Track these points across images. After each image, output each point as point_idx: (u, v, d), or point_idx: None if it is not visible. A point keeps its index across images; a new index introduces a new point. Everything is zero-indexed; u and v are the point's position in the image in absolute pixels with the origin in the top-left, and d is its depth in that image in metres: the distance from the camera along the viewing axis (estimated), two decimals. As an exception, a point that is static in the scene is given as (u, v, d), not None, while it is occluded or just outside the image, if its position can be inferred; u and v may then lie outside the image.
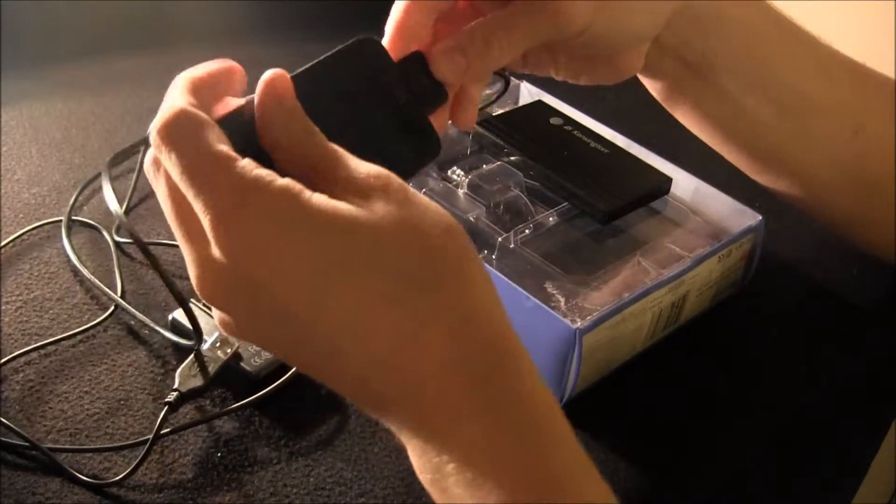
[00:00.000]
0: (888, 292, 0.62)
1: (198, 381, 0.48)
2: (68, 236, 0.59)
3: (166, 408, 0.47)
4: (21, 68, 0.78)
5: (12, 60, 0.78)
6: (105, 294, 0.55)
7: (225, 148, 0.33)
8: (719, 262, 0.56)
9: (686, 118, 0.55)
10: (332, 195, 0.32)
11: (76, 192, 0.63)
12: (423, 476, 0.34)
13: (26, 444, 0.46)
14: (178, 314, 0.51)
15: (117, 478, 0.45)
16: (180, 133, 0.33)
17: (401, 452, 0.48)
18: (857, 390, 0.60)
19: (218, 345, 0.49)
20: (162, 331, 0.52)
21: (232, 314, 0.34)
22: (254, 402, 0.48)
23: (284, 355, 0.36)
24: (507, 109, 0.65)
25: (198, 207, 0.32)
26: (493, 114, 0.63)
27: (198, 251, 0.33)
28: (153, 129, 0.33)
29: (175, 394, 0.47)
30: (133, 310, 0.54)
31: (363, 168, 0.33)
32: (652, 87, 0.55)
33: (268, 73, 0.37)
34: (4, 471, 0.45)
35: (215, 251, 0.32)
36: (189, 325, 0.50)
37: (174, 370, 0.51)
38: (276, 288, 0.31)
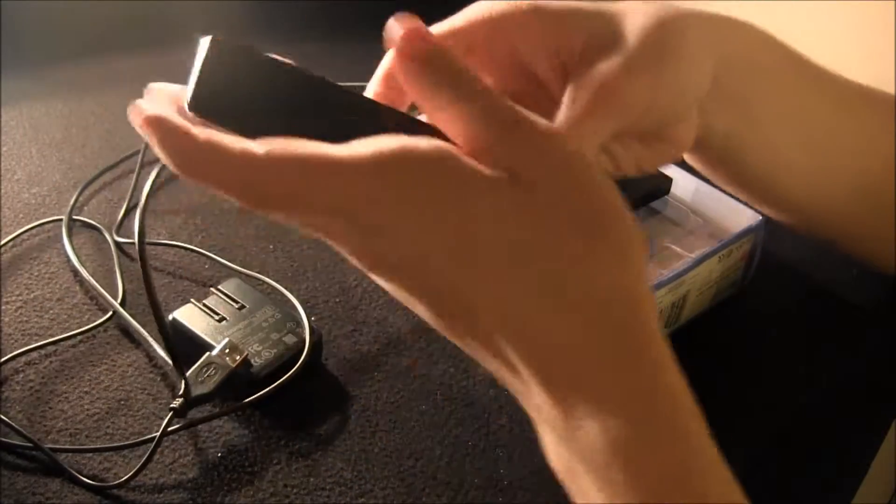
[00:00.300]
0: (888, 292, 0.62)
1: (205, 388, 0.47)
2: (69, 236, 0.59)
3: (171, 413, 0.46)
4: (21, 68, 0.78)
5: (12, 60, 0.78)
6: (104, 299, 0.55)
7: None
8: (719, 262, 0.56)
9: (726, 179, 0.53)
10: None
11: (76, 193, 0.63)
12: (556, 467, 0.33)
13: (28, 444, 0.46)
14: (178, 314, 0.51)
15: (119, 480, 0.44)
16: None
17: (401, 453, 0.48)
18: (857, 390, 0.60)
19: (227, 351, 0.48)
20: (158, 348, 0.51)
21: (375, 248, 0.33)
22: (254, 402, 0.48)
23: (413, 297, 0.35)
24: None
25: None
26: None
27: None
28: None
29: (181, 400, 0.46)
30: (130, 318, 0.54)
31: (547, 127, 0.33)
32: (697, 156, 0.51)
33: (399, 24, 0.35)
34: (5, 471, 0.45)
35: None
36: (190, 327, 0.51)
37: (174, 370, 0.51)
38: (421, 236, 0.32)
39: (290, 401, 0.49)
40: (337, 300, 0.57)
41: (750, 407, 0.53)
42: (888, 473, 0.82)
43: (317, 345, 0.52)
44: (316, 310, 0.56)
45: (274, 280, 0.57)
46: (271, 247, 0.61)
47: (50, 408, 0.48)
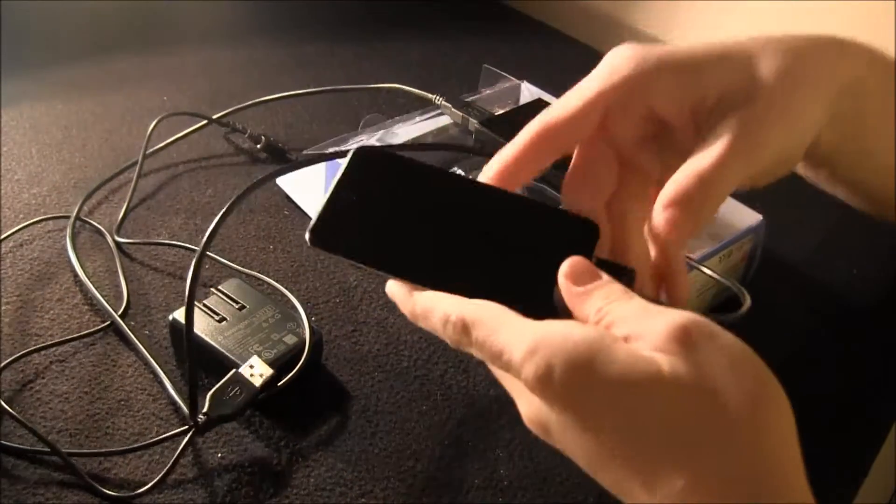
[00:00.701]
0: (888, 292, 0.62)
1: (227, 409, 0.46)
2: (72, 238, 0.59)
3: (192, 430, 0.46)
4: (21, 69, 0.78)
5: (12, 60, 0.78)
6: (104, 308, 0.55)
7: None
8: (720, 262, 0.56)
9: (824, 180, 0.52)
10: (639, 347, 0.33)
11: (83, 198, 0.63)
12: None
13: (46, 449, 0.45)
14: (179, 314, 0.51)
15: (134, 493, 0.44)
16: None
17: (401, 453, 0.48)
18: (858, 390, 0.60)
19: (252, 367, 0.48)
20: (171, 389, 0.51)
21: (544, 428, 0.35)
22: (254, 403, 0.48)
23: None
24: (507, 109, 0.65)
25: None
26: (495, 113, 0.63)
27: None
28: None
29: (204, 418, 0.46)
30: (129, 331, 0.54)
31: (661, 324, 0.33)
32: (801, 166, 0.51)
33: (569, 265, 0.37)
34: (15, 473, 0.45)
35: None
36: (187, 323, 0.51)
37: (174, 370, 0.51)
38: (577, 430, 0.33)
39: (291, 401, 0.49)
40: (337, 300, 0.57)
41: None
42: (888, 474, 0.82)
43: (317, 345, 0.52)
44: (316, 310, 0.56)
45: (274, 280, 0.57)
46: (271, 247, 0.61)
47: (50, 408, 0.48)
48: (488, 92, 0.68)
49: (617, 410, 0.32)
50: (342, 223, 0.39)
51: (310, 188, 0.62)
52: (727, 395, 0.32)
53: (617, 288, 0.35)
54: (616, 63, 0.41)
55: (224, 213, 0.43)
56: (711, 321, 0.33)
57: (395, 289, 0.38)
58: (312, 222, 0.38)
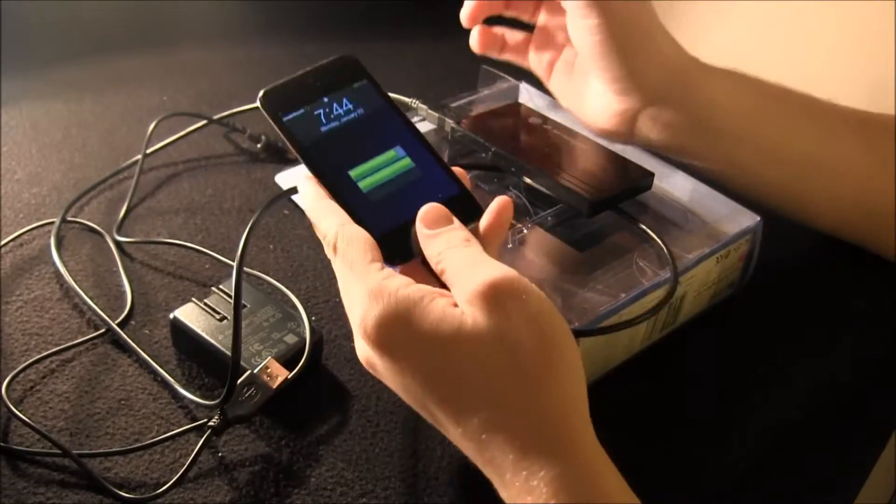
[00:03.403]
0: (888, 293, 0.62)
1: (244, 410, 0.46)
2: (56, 237, 0.59)
3: (209, 431, 0.46)
4: (21, 68, 0.78)
5: (12, 60, 0.78)
6: (103, 309, 0.55)
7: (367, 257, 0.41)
8: (717, 262, 0.56)
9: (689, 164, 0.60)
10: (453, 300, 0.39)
11: (72, 198, 0.63)
12: None
13: (58, 451, 0.45)
14: (179, 313, 0.51)
15: (150, 494, 0.44)
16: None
17: (402, 453, 0.48)
18: (858, 391, 0.60)
19: (269, 369, 0.48)
20: (181, 390, 0.51)
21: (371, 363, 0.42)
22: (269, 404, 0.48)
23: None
24: (485, 110, 0.64)
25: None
26: (472, 114, 0.63)
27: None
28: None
29: (219, 419, 0.46)
30: (128, 338, 0.54)
31: (476, 279, 0.38)
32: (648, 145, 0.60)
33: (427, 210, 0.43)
34: (16, 473, 0.45)
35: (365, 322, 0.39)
36: (191, 326, 0.51)
37: (174, 370, 0.51)
38: (394, 372, 0.39)
39: (291, 401, 0.49)
40: (337, 300, 0.57)
41: (749, 408, 0.54)
42: (888, 474, 0.82)
43: (317, 345, 0.52)
44: (316, 310, 0.56)
45: (274, 279, 0.57)
46: (271, 246, 0.61)
47: (50, 407, 0.48)
48: (486, 92, 0.68)
49: (425, 360, 0.38)
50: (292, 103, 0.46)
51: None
52: (519, 348, 0.37)
53: (459, 235, 0.41)
54: None
55: (252, 224, 0.46)
56: (522, 277, 0.38)
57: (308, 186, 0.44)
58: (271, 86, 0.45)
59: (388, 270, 0.40)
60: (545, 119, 0.62)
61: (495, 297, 0.37)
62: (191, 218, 0.63)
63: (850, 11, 0.77)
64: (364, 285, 0.39)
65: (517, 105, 0.64)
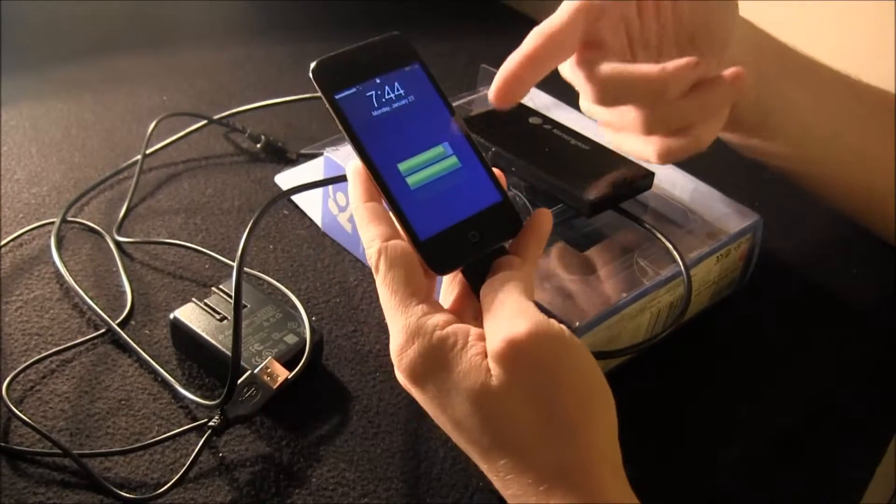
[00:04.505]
0: (888, 292, 0.62)
1: (244, 410, 0.46)
2: (58, 249, 0.59)
3: (209, 431, 0.46)
4: (21, 68, 0.78)
5: (12, 60, 0.78)
6: (103, 309, 0.55)
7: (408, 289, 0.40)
8: (718, 261, 0.56)
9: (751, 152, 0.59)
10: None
11: (72, 198, 0.63)
12: None
13: (58, 451, 0.45)
14: (179, 313, 0.51)
15: (145, 496, 0.44)
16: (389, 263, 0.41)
17: (404, 453, 0.48)
18: (858, 391, 0.60)
19: (269, 370, 0.48)
20: (182, 390, 0.51)
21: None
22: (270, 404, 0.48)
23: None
24: (485, 110, 0.64)
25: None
26: (472, 113, 0.63)
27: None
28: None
29: (219, 419, 0.46)
30: (128, 338, 0.54)
31: (497, 338, 0.38)
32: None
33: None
34: (16, 473, 0.45)
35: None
36: (191, 326, 0.51)
37: (175, 370, 0.51)
38: (424, 403, 0.40)
39: (292, 401, 0.49)
40: (337, 300, 0.57)
41: (749, 407, 0.54)
42: (889, 474, 0.82)
43: (318, 345, 0.52)
44: (317, 309, 0.56)
45: (275, 280, 0.57)
46: (271, 247, 0.61)
47: (50, 407, 0.48)
48: (486, 92, 0.68)
49: (451, 405, 0.39)
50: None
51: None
52: (545, 403, 0.37)
53: (515, 283, 0.40)
54: None
55: (252, 225, 0.45)
56: (552, 326, 0.38)
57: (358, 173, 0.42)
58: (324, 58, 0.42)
59: (427, 306, 0.40)
60: (545, 119, 0.62)
61: (518, 357, 0.37)
62: (191, 218, 0.63)
63: (850, 11, 0.77)
64: (403, 318, 0.40)
65: (517, 105, 0.64)
